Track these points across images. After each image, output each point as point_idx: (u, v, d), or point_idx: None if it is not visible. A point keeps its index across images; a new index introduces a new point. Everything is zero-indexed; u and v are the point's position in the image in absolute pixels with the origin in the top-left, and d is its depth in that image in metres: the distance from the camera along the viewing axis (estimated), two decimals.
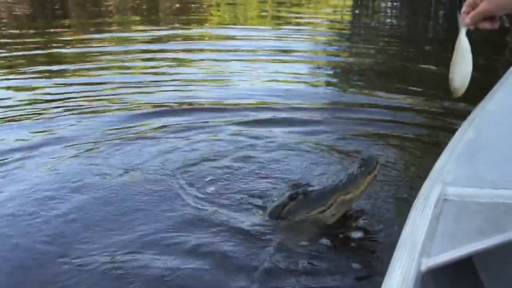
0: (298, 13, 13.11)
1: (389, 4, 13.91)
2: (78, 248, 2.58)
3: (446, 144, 1.54)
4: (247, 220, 2.81)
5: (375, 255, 2.57)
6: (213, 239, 2.65)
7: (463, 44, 1.59)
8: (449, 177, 1.30)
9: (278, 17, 12.34)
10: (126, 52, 7.88)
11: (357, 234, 2.67)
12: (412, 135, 4.20)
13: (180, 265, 2.44)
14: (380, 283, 1.15)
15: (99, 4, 15.93)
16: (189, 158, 3.69)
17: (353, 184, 2.63)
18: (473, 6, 1.50)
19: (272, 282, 2.31)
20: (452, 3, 11.63)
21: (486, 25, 1.51)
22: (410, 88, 5.85)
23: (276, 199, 2.85)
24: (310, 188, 2.79)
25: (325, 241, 2.62)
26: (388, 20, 11.99)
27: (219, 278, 2.36)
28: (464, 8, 1.54)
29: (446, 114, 4.74)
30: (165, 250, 2.57)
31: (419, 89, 5.75)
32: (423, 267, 1.17)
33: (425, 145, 4.03)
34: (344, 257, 2.50)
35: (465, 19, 1.54)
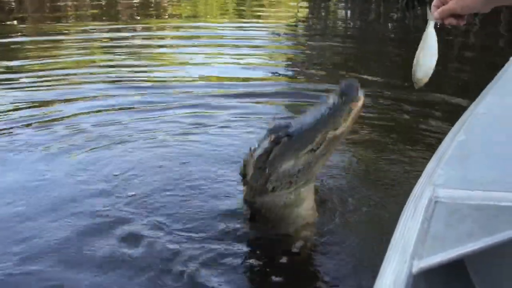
0: (258, 10, 13.27)
1: (342, 5, 14.20)
2: None
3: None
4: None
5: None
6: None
7: (430, 36, 1.62)
8: (440, 179, 1.31)
9: (239, 14, 12.48)
10: (85, 41, 8.12)
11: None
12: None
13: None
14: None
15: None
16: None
17: (338, 116, 2.23)
18: (443, 2, 1.56)
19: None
20: (404, 9, 11.84)
21: (453, 22, 1.56)
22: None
23: (256, 147, 2.49)
24: (291, 130, 2.39)
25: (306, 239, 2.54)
26: (340, 22, 12.15)
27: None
28: (434, 2, 1.59)
29: (397, 103, 5.00)
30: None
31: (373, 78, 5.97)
32: (415, 269, 1.17)
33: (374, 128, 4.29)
34: (329, 257, 2.47)
35: (434, 13, 1.58)
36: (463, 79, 6.34)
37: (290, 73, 6.78)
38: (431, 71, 1.63)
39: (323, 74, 6.57)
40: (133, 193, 3.10)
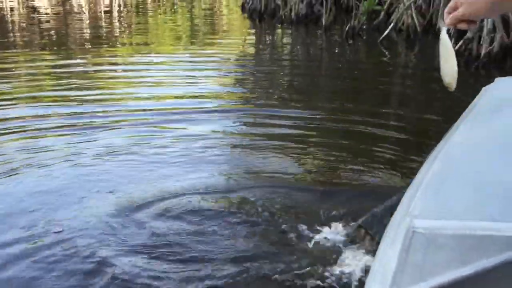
0: (210, 39, 13.52)
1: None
2: None
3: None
4: None
5: None
6: None
7: (445, 42, 1.67)
8: (416, 209, 1.32)
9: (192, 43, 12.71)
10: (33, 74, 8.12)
11: None
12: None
13: None
14: None
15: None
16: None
17: None
18: (455, 8, 1.60)
19: None
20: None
21: (464, 26, 1.61)
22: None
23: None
24: None
25: None
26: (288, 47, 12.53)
27: None
28: (446, 9, 1.63)
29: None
30: None
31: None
32: None
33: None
34: None
35: (446, 19, 1.63)
36: None
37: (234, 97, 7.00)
38: (456, 73, 1.66)
39: (264, 97, 6.80)
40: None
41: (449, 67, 1.66)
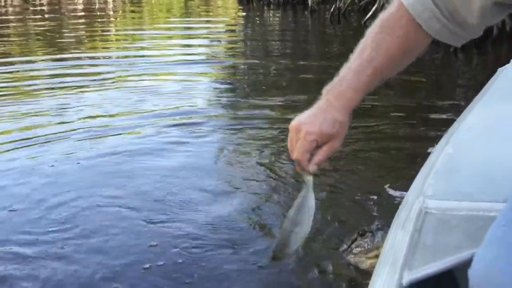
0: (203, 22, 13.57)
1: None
2: None
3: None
4: None
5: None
6: None
7: (308, 201, 1.32)
8: (429, 190, 1.32)
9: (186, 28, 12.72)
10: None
11: None
12: None
13: None
14: None
15: None
16: None
17: None
18: (304, 149, 1.28)
19: None
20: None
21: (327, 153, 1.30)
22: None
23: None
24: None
25: None
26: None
27: None
28: (299, 156, 1.29)
29: None
30: None
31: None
32: (405, 280, 1.19)
33: None
34: None
35: (311, 167, 1.29)
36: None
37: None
38: (297, 245, 1.34)
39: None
40: None
41: (296, 237, 1.32)
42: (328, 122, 1.27)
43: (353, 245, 2.56)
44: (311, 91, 6.33)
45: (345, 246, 2.62)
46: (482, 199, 1.27)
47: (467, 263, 1.22)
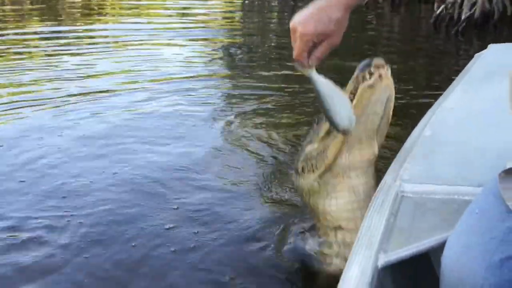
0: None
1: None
2: None
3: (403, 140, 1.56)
4: None
5: None
6: None
7: (322, 83, 1.39)
8: (406, 174, 1.32)
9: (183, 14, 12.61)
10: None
11: None
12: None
13: None
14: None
15: None
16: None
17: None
18: (303, 44, 1.33)
19: None
20: None
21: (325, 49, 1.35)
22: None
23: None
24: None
25: None
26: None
27: None
28: (299, 54, 1.34)
29: None
30: None
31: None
32: (380, 263, 1.19)
33: None
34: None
35: (310, 61, 1.35)
36: None
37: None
38: (351, 113, 1.43)
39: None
40: None
41: (340, 108, 1.40)
42: (323, 22, 1.30)
43: (311, 133, 1.97)
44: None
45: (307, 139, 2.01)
46: (458, 183, 1.28)
47: (442, 246, 1.23)
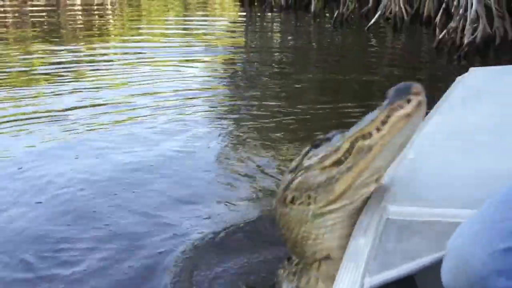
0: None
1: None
2: None
3: None
4: None
5: None
6: None
7: None
8: (390, 196, 1.34)
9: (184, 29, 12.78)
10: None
11: None
12: None
13: None
14: None
15: None
16: None
17: (370, 122, 1.55)
18: None
19: None
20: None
21: None
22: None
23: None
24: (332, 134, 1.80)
25: None
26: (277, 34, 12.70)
27: None
28: None
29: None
30: None
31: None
32: (366, 286, 1.20)
33: None
34: None
35: None
36: None
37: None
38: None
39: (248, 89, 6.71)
40: None
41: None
42: None
43: (305, 159, 1.81)
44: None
45: (294, 164, 1.86)
46: (442, 205, 1.30)
47: (427, 268, 1.24)
